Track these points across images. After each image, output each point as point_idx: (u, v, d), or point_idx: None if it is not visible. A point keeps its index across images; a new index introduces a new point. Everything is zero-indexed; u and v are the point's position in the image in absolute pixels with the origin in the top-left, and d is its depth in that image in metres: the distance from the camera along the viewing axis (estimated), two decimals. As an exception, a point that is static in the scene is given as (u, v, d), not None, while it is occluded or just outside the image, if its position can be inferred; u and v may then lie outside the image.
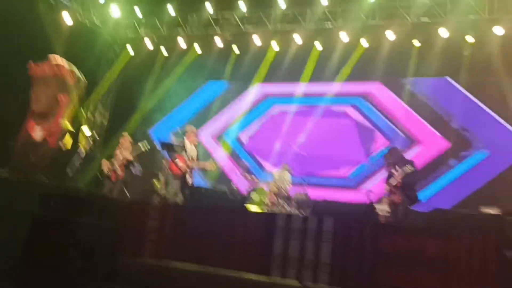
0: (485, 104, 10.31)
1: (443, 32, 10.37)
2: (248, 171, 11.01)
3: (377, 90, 11.67)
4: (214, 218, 5.66)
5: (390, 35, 10.81)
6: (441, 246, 4.47)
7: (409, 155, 9.87)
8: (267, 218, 5.56)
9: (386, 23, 10.78)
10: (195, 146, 8.19)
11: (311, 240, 5.00)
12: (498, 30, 9.90)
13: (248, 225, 5.43)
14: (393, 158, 7.77)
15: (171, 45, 12.79)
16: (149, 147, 8.46)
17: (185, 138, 8.22)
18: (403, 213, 7.43)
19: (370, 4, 10.66)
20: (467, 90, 10.54)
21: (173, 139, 8.16)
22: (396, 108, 11.35)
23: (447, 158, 10.51)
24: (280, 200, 9.83)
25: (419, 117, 11.00)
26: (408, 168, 7.41)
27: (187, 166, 7.92)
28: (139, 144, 8.46)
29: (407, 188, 7.47)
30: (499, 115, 10.09)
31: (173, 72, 12.88)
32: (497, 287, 4.15)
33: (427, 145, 10.76)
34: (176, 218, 5.80)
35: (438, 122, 10.72)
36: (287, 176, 10.34)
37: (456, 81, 10.67)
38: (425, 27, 10.54)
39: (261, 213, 8.01)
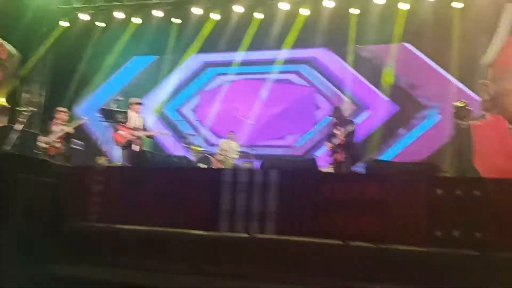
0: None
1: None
2: (191, 143, 11.01)
3: (322, 56, 11.79)
4: (159, 178, 5.66)
5: (329, 3, 10.98)
6: (378, 190, 4.72)
7: (357, 120, 10.14)
8: (214, 174, 5.64)
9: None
10: (141, 115, 8.15)
11: (258, 193, 5.13)
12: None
13: (195, 182, 5.47)
14: (336, 117, 8.06)
15: (107, 17, 12.38)
16: (87, 118, 8.27)
17: (129, 109, 8.13)
18: (348, 171, 7.75)
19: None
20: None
21: (113, 106, 8.02)
22: (342, 74, 11.49)
23: (397, 122, 10.73)
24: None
25: (366, 82, 11.19)
26: (350, 127, 7.73)
27: (132, 135, 7.85)
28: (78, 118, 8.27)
29: (350, 147, 7.79)
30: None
31: (107, 45, 12.48)
32: (426, 221, 4.48)
33: (376, 109, 10.97)
34: (121, 181, 5.74)
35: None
36: (234, 145, 10.46)
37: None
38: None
39: (208, 169, 8.09)
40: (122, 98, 8.38)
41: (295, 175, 5.13)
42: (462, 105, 8.68)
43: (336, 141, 7.85)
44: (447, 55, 9.73)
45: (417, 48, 10.72)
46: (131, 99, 8.42)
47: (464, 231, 4.37)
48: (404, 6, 10.38)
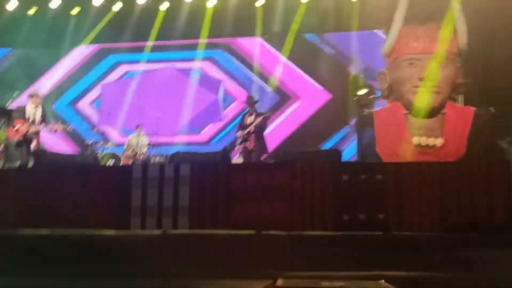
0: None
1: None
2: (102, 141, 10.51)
3: (237, 44, 11.28)
4: (63, 179, 5.35)
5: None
6: (287, 178, 4.86)
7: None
8: (122, 171, 5.45)
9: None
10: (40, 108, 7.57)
11: (169, 187, 5.03)
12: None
13: (103, 181, 5.25)
14: (248, 106, 8.10)
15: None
16: None
17: (28, 102, 7.55)
18: (257, 159, 7.84)
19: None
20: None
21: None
22: (268, 61, 10.95)
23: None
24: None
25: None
26: (262, 116, 7.81)
27: (28, 129, 7.27)
28: None
29: (261, 136, 7.88)
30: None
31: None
32: (332, 205, 4.69)
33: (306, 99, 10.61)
34: (21, 184, 5.35)
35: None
36: (144, 140, 10.14)
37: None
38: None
39: (116, 166, 7.79)
40: (17, 92, 7.70)
41: (206, 167, 5.11)
42: (364, 93, 9.19)
43: (247, 129, 7.90)
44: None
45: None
46: (30, 91, 7.87)
47: (369, 214, 4.63)
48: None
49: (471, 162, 4.96)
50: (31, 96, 7.64)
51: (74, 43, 11.51)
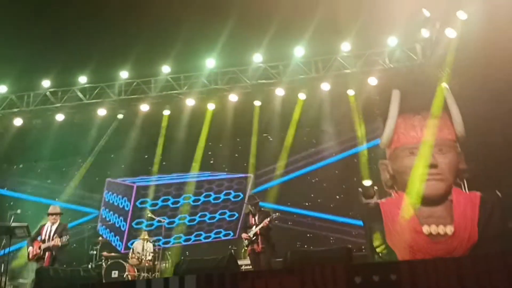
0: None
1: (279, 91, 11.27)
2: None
3: None
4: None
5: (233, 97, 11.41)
6: (298, 283, 4.64)
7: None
8: (125, 287, 5.23)
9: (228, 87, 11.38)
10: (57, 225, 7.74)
11: (175, 302, 4.80)
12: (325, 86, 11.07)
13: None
14: (252, 206, 8.02)
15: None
16: None
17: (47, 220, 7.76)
18: (266, 261, 7.60)
19: (211, 70, 11.20)
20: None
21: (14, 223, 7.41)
22: None
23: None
24: (142, 274, 9.35)
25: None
26: (268, 216, 7.70)
27: (39, 248, 7.38)
28: None
29: (267, 236, 7.71)
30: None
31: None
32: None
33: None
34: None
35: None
36: (148, 245, 9.94)
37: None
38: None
39: (118, 281, 7.51)
40: (18, 211, 7.81)
41: (212, 278, 4.90)
42: (369, 184, 9.17)
43: (253, 231, 7.76)
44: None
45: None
46: (50, 209, 8.06)
47: (386, 318, 4.36)
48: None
49: (486, 256, 4.76)
50: (50, 214, 7.80)
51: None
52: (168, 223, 10.97)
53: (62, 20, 9.04)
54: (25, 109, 11.47)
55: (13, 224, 7.03)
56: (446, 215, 7.99)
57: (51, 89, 11.36)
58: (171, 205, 11.87)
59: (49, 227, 7.86)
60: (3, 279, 6.97)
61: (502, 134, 8.37)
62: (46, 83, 11.21)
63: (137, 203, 11.95)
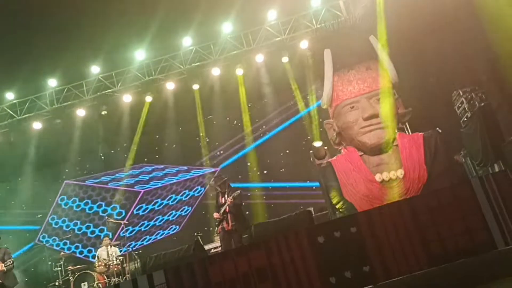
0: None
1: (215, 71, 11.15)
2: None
3: None
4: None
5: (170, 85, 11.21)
6: (264, 255, 4.71)
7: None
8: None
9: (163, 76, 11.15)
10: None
11: (147, 301, 4.77)
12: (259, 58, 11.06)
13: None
14: (219, 186, 8.01)
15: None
16: None
17: None
18: (238, 239, 7.63)
19: (142, 62, 10.92)
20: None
21: None
22: None
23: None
24: (113, 279, 9.18)
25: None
26: (235, 193, 7.70)
27: None
28: None
29: (237, 214, 7.73)
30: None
31: None
32: (318, 272, 4.55)
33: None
34: None
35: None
36: (115, 250, 9.76)
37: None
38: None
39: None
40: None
41: (179, 269, 4.88)
42: (319, 145, 9.34)
43: (222, 209, 7.78)
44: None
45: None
46: None
47: (354, 270, 4.52)
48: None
49: (436, 192, 4.99)
50: None
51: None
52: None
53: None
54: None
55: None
56: (395, 160, 8.26)
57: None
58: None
59: None
60: None
61: (433, 74, 8.71)
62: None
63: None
